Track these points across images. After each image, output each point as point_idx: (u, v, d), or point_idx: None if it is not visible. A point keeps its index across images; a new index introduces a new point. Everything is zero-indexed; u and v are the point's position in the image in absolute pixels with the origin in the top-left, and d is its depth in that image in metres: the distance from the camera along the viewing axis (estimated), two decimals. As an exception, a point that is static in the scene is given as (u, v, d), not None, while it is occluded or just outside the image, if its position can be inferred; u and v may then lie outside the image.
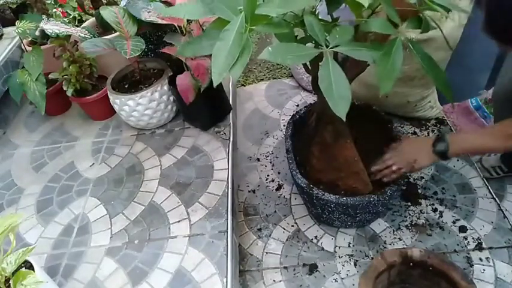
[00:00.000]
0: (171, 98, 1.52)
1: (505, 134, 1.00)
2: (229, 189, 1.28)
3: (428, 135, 1.55)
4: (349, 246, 1.25)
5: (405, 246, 1.21)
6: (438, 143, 1.08)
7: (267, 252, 1.27)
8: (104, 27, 1.70)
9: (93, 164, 1.48)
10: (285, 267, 1.22)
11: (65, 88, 1.54)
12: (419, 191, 1.36)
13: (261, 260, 1.26)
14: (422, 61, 0.75)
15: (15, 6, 2.06)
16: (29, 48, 1.53)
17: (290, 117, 1.37)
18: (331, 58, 0.70)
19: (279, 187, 1.47)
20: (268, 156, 1.61)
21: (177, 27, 1.35)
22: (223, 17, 0.70)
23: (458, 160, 1.44)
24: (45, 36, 1.43)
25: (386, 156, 1.16)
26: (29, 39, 1.60)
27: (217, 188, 1.30)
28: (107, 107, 1.59)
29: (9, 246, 0.90)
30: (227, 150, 1.42)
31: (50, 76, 1.55)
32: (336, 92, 0.67)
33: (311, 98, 1.85)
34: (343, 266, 1.20)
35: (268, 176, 1.52)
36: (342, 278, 1.17)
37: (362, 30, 0.77)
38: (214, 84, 0.66)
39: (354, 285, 1.15)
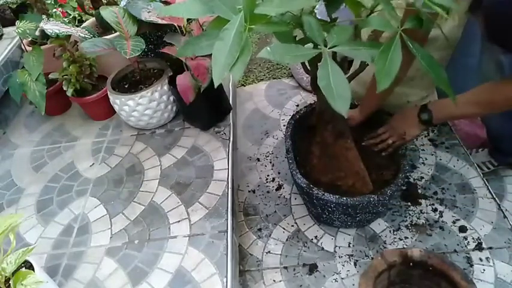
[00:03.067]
0: (171, 98, 1.52)
1: (482, 100, 1.07)
2: (229, 189, 1.28)
3: (428, 135, 1.55)
4: (349, 246, 1.24)
5: (405, 246, 1.21)
6: (422, 113, 1.17)
7: (267, 252, 1.27)
8: (104, 27, 1.70)
9: (93, 164, 1.48)
10: (285, 267, 1.22)
11: (65, 88, 1.55)
12: (419, 191, 1.36)
13: (261, 260, 1.26)
14: (423, 60, 0.75)
15: (15, 6, 2.07)
16: (29, 48, 1.53)
17: (290, 117, 1.37)
18: (330, 58, 0.70)
19: (279, 187, 1.47)
20: (268, 156, 1.61)
21: (177, 27, 1.35)
22: (222, 16, 0.70)
23: (458, 160, 1.43)
24: (45, 36, 1.43)
25: (379, 131, 1.28)
26: (29, 39, 1.61)
27: (217, 188, 1.30)
28: (107, 107, 1.59)
29: (9, 246, 0.90)
30: (227, 150, 1.42)
31: (50, 76, 1.55)
32: (336, 91, 0.67)
33: (311, 98, 1.85)
34: (343, 266, 1.20)
35: (268, 176, 1.52)
36: (342, 278, 1.17)
37: (360, 28, 0.77)
38: (215, 85, 0.66)
39: (354, 285, 1.15)
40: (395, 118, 1.27)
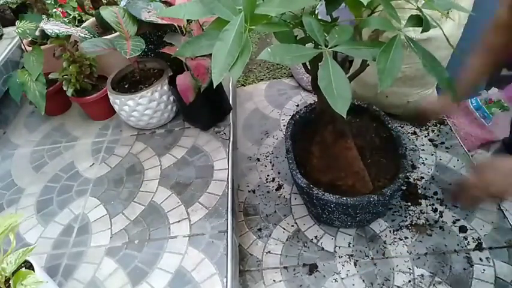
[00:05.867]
0: (171, 98, 1.52)
1: None
2: (229, 189, 1.28)
3: (428, 135, 1.55)
4: (349, 246, 1.25)
5: (405, 246, 1.21)
6: None
7: (267, 252, 1.27)
8: (104, 27, 1.70)
9: (93, 164, 1.48)
10: (285, 267, 1.22)
11: (65, 88, 1.55)
12: (419, 191, 1.36)
13: (261, 260, 1.26)
14: (424, 59, 0.74)
15: (15, 6, 2.07)
16: (29, 48, 1.53)
17: (290, 117, 1.37)
18: (331, 58, 0.70)
19: (279, 187, 1.47)
20: (268, 156, 1.61)
21: (177, 27, 1.35)
22: (222, 17, 0.70)
23: (458, 160, 1.44)
24: (45, 36, 1.43)
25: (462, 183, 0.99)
26: (29, 39, 1.60)
27: (217, 188, 1.30)
28: (107, 107, 1.59)
29: (9, 246, 0.90)
30: (227, 150, 1.42)
31: (50, 76, 1.55)
32: (336, 91, 0.67)
33: (311, 98, 1.85)
34: (343, 266, 1.20)
35: (268, 176, 1.52)
36: (342, 278, 1.17)
37: (361, 27, 0.77)
38: (214, 84, 0.66)
39: (353, 285, 1.15)
40: (484, 169, 0.90)
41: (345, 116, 0.66)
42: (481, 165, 0.94)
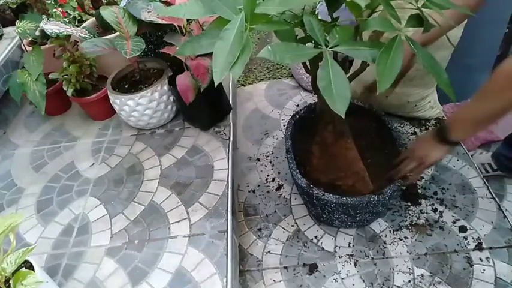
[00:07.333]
0: (171, 98, 1.52)
1: (499, 86, 0.86)
2: (229, 189, 1.28)
3: (428, 135, 1.55)
4: (349, 246, 1.24)
5: (405, 246, 1.21)
6: (439, 130, 1.02)
7: (267, 252, 1.27)
8: (104, 27, 1.70)
9: (93, 164, 1.48)
10: (285, 267, 1.22)
11: (65, 88, 1.55)
12: (419, 191, 1.36)
13: (261, 260, 1.26)
14: (424, 60, 0.75)
15: (15, 6, 2.07)
16: (29, 48, 1.53)
17: (290, 117, 1.37)
18: (331, 58, 0.70)
19: (279, 187, 1.47)
20: (268, 156, 1.61)
21: (177, 27, 1.35)
22: (223, 16, 0.70)
23: (458, 160, 1.44)
24: (45, 36, 1.43)
25: (401, 156, 1.14)
26: (29, 39, 1.60)
27: (217, 188, 1.29)
28: (107, 107, 1.59)
29: (9, 246, 0.90)
30: (227, 150, 1.42)
31: (50, 76, 1.55)
32: (335, 91, 0.67)
33: (311, 98, 1.85)
34: (343, 266, 1.20)
35: (268, 176, 1.52)
36: (342, 278, 1.17)
37: (362, 29, 0.77)
38: (216, 84, 0.66)
39: (353, 285, 1.15)
40: (416, 141, 1.12)
41: (343, 116, 0.66)
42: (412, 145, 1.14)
